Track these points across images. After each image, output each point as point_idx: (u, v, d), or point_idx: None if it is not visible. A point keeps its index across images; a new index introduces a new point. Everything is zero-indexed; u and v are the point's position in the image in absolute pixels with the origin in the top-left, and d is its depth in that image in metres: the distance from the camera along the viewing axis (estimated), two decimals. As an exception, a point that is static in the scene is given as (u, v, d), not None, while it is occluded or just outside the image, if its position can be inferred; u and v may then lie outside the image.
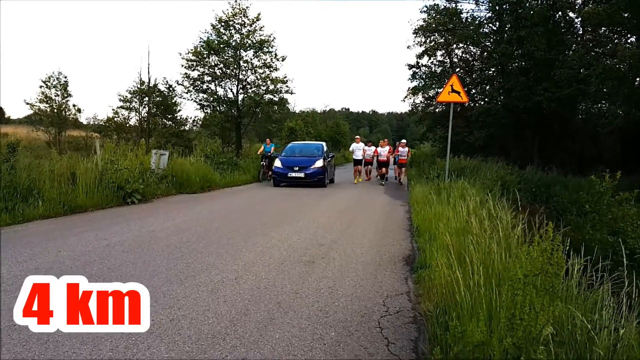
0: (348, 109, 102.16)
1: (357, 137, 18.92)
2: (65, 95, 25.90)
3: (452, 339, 2.95)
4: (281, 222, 8.09)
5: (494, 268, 3.74)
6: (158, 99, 23.70)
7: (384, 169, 17.36)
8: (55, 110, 25.53)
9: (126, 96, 23.69)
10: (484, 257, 3.90)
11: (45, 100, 25.33)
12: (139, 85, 23.39)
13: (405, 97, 28.39)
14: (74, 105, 26.65)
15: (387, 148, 17.42)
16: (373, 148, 17.84)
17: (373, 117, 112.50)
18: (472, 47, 26.36)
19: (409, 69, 27.85)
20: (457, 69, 26.14)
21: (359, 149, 17.57)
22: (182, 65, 23.75)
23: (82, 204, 8.47)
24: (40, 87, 25.27)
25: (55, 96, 25.58)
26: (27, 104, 25.28)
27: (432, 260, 4.89)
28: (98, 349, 3.04)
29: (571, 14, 22.27)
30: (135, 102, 23.78)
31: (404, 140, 18.40)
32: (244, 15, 23.48)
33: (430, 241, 5.94)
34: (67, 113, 26.29)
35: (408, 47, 28.14)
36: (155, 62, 46.64)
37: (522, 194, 12.71)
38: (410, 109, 29.63)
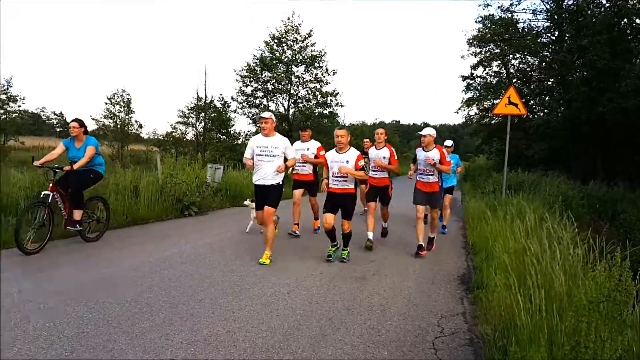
0: (398, 121, 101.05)
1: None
2: (129, 112, 27.42)
3: (511, 364, 2.84)
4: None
5: (556, 291, 3.58)
6: (213, 114, 24.54)
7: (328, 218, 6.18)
8: (119, 126, 27.06)
9: (184, 112, 24.76)
10: (544, 280, 3.74)
11: (110, 116, 26.94)
12: (196, 102, 24.38)
13: (459, 108, 27.77)
14: (136, 121, 28.13)
15: (351, 155, 6.17)
16: (310, 146, 8.11)
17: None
18: (529, 57, 25.46)
19: (463, 80, 27.34)
20: (514, 80, 25.31)
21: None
22: (237, 81, 24.59)
23: (143, 216, 8.88)
24: (106, 103, 26.92)
25: (119, 112, 27.15)
26: (93, 119, 26.96)
27: (490, 281, 4.74)
28: (159, 357, 3.17)
29: (638, 21, 21.06)
30: (192, 117, 24.78)
31: (430, 132, 6.97)
32: (296, 32, 24.02)
33: (486, 260, 5.76)
34: (130, 128, 27.77)
35: (462, 58, 27.58)
36: (212, 78, 48.36)
37: (585, 211, 12.08)
38: (464, 120, 28.99)
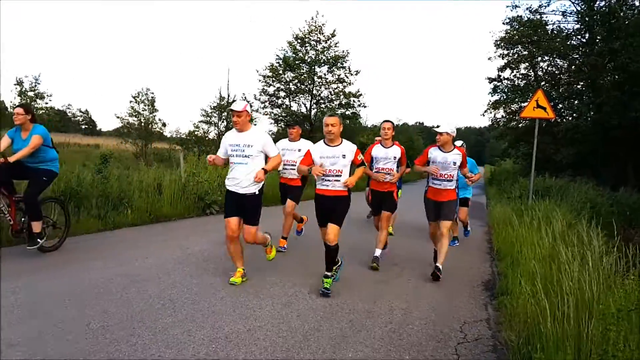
0: (422, 123, 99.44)
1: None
2: (152, 110, 27.86)
3: (537, 373, 2.77)
4: (353, 234, 8.01)
5: (584, 299, 3.47)
6: (236, 113, 24.71)
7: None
8: (143, 124, 27.53)
9: (207, 111, 25.01)
10: (574, 287, 3.63)
11: (134, 114, 27.44)
12: (218, 101, 24.60)
13: (485, 111, 27.27)
14: (159, 120, 28.54)
15: (347, 149, 4.89)
16: (301, 146, 6.57)
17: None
18: (558, 60, 24.87)
19: (490, 82, 26.88)
20: (543, 83, 24.77)
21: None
22: (259, 81, 24.76)
23: (166, 214, 9.00)
24: (130, 102, 27.43)
25: (143, 111, 27.61)
26: (118, 117, 27.53)
27: (515, 287, 4.63)
28: (182, 353, 3.20)
29: (673, 23, 20.34)
30: (215, 116, 25.02)
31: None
32: (319, 32, 24.03)
33: (512, 266, 5.64)
34: (154, 127, 28.20)
35: (489, 59, 27.08)
36: (234, 78, 48.84)
37: (615, 218, 11.72)
38: (491, 123, 28.44)
